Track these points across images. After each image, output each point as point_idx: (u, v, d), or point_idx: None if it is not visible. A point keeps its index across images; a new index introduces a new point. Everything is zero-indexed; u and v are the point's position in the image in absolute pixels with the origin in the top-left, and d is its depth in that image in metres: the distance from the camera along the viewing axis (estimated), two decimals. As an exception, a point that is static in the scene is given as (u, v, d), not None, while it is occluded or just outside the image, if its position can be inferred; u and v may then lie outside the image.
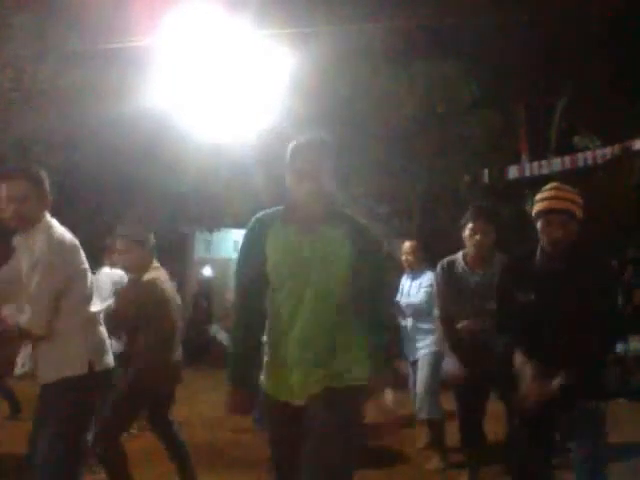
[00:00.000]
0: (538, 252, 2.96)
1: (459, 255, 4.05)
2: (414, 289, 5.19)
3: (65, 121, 8.30)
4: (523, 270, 3.00)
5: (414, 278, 5.26)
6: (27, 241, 2.94)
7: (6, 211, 2.92)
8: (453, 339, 3.92)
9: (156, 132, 9.28)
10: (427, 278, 5.11)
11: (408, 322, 5.16)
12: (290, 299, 2.42)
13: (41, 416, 2.92)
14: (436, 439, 5.01)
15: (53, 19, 8.31)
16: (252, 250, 2.49)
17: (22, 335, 2.94)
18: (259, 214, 2.56)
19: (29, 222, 2.94)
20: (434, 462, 4.87)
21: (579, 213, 2.92)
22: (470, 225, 3.93)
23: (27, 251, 2.91)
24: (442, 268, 4.06)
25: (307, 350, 2.41)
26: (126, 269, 3.92)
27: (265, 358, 2.57)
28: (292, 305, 2.42)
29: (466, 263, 3.98)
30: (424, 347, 5.07)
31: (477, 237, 3.90)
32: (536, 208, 2.97)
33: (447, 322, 3.97)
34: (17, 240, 3.02)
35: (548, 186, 2.99)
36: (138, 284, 3.83)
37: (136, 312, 3.78)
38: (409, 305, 5.16)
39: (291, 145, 2.54)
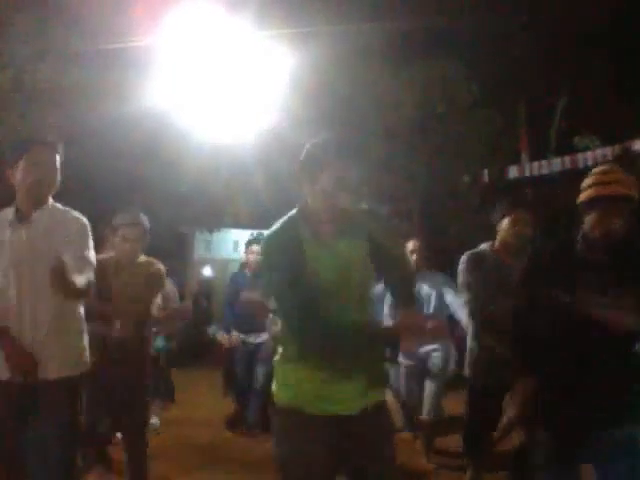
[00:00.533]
0: (579, 243, 2.52)
1: (485, 247, 3.85)
2: (430, 296, 4.99)
3: (65, 121, 8.30)
4: (561, 264, 2.51)
5: (423, 281, 5.03)
6: (42, 217, 2.79)
7: (29, 175, 2.75)
8: (493, 332, 3.55)
9: (156, 132, 9.29)
10: (440, 280, 5.02)
11: None
12: (335, 308, 2.27)
13: (38, 417, 2.71)
14: (428, 440, 5.01)
15: (53, 19, 8.32)
16: (292, 261, 2.26)
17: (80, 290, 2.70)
18: (276, 227, 2.35)
19: (45, 196, 2.82)
20: (423, 462, 4.89)
21: (637, 198, 2.48)
22: (510, 216, 3.74)
23: (58, 227, 2.79)
24: (470, 259, 3.79)
25: (359, 359, 2.31)
26: (129, 258, 3.82)
27: (291, 370, 2.35)
28: (336, 314, 2.27)
29: (497, 256, 3.78)
30: (435, 349, 5.01)
31: (517, 227, 3.73)
32: (590, 193, 2.49)
33: (485, 314, 3.59)
34: (28, 215, 2.79)
35: (600, 169, 2.57)
36: (153, 271, 3.83)
37: (148, 300, 3.79)
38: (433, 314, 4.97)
39: (314, 147, 2.36)
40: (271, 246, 2.35)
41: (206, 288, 14.54)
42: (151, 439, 4.43)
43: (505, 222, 3.75)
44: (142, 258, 3.87)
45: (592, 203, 2.48)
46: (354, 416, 2.28)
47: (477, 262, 3.75)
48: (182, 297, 12.41)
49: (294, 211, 2.40)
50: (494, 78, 11.81)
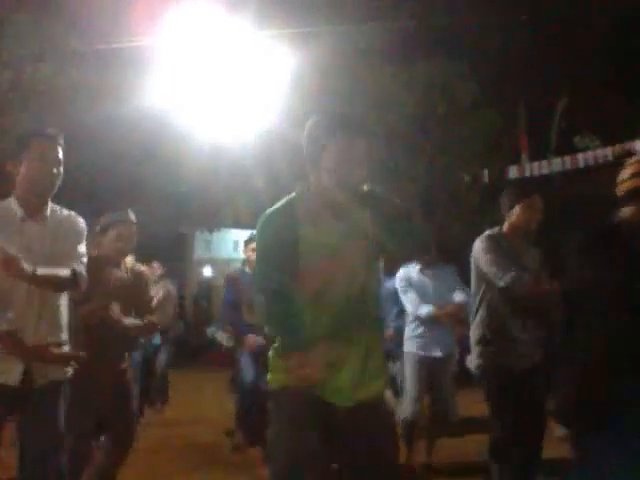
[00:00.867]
0: (626, 233, 2.34)
1: (494, 232, 3.71)
2: (442, 287, 4.85)
3: (64, 121, 8.30)
4: (612, 250, 2.32)
5: (435, 276, 4.90)
6: (51, 215, 2.74)
7: (34, 170, 2.68)
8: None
9: (156, 132, 9.30)
10: (451, 271, 4.94)
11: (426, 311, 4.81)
12: (336, 294, 2.16)
13: (29, 421, 2.66)
14: (431, 440, 4.93)
15: (53, 19, 8.32)
16: (282, 247, 2.16)
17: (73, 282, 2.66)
18: (273, 209, 2.24)
19: (50, 191, 2.73)
20: (423, 463, 4.79)
21: None
22: (525, 200, 3.64)
23: (62, 227, 2.75)
24: (490, 239, 3.64)
25: (359, 348, 2.21)
26: (120, 257, 3.64)
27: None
28: (338, 300, 2.16)
29: (507, 239, 3.67)
30: (447, 346, 4.86)
31: (530, 213, 3.63)
32: (630, 185, 2.39)
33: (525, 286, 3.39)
34: (35, 212, 2.71)
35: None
36: (142, 273, 3.75)
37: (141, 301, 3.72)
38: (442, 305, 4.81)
39: (317, 123, 2.19)
40: (266, 229, 2.22)
41: (206, 289, 14.56)
42: (150, 439, 4.43)
43: (518, 207, 3.65)
44: (128, 260, 3.77)
45: (632, 195, 2.37)
46: (350, 408, 2.16)
47: (498, 242, 3.64)
48: (182, 297, 12.41)
49: (293, 193, 2.26)
50: (494, 78, 11.82)
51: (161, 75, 8.65)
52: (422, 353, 4.80)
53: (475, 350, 3.66)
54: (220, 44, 8.99)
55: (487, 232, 3.73)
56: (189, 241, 15.11)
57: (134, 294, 3.61)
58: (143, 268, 3.85)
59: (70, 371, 2.80)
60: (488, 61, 11.70)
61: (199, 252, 15.44)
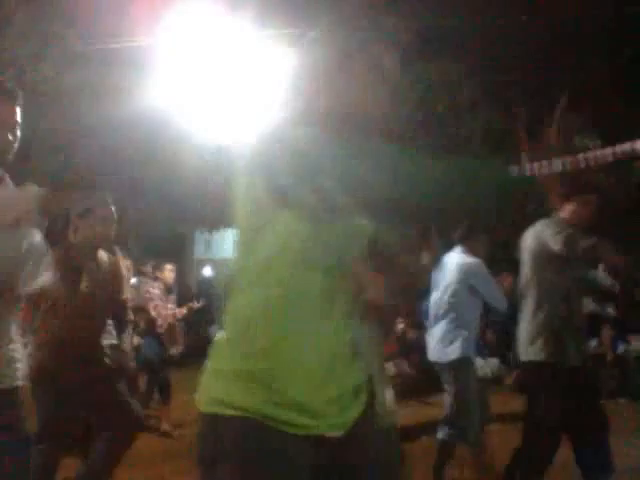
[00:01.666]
0: None
1: (553, 219, 3.46)
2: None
3: (65, 121, 8.30)
4: None
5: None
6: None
7: (3, 140, 2.15)
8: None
9: (156, 132, 9.30)
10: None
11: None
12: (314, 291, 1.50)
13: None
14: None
15: (53, 19, 8.32)
16: None
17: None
18: None
19: (5, 157, 2.19)
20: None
21: None
22: (586, 196, 3.49)
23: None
24: (558, 222, 3.41)
25: (334, 370, 1.52)
26: (103, 242, 3.42)
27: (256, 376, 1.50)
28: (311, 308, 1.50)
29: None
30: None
31: (587, 210, 3.50)
32: None
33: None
34: None
35: None
36: (119, 269, 3.56)
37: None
38: None
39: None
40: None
41: (206, 288, 14.55)
42: (153, 440, 4.41)
43: (572, 203, 3.47)
44: (101, 252, 3.50)
45: None
46: (340, 438, 1.50)
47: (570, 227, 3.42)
48: (182, 297, 12.42)
49: None
50: (494, 78, 11.83)
51: (161, 75, 8.66)
52: (471, 357, 4.24)
53: (538, 345, 3.38)
54: (220, 44, 9.00)
55: (547, 220, 3.48)
56: (189, 241, 15.11)
57: (110, 289, 3.45)
58: (126, 262, 3.66)
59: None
60: (488, 61, 11.71)
61: (199, 252, 15.44)
